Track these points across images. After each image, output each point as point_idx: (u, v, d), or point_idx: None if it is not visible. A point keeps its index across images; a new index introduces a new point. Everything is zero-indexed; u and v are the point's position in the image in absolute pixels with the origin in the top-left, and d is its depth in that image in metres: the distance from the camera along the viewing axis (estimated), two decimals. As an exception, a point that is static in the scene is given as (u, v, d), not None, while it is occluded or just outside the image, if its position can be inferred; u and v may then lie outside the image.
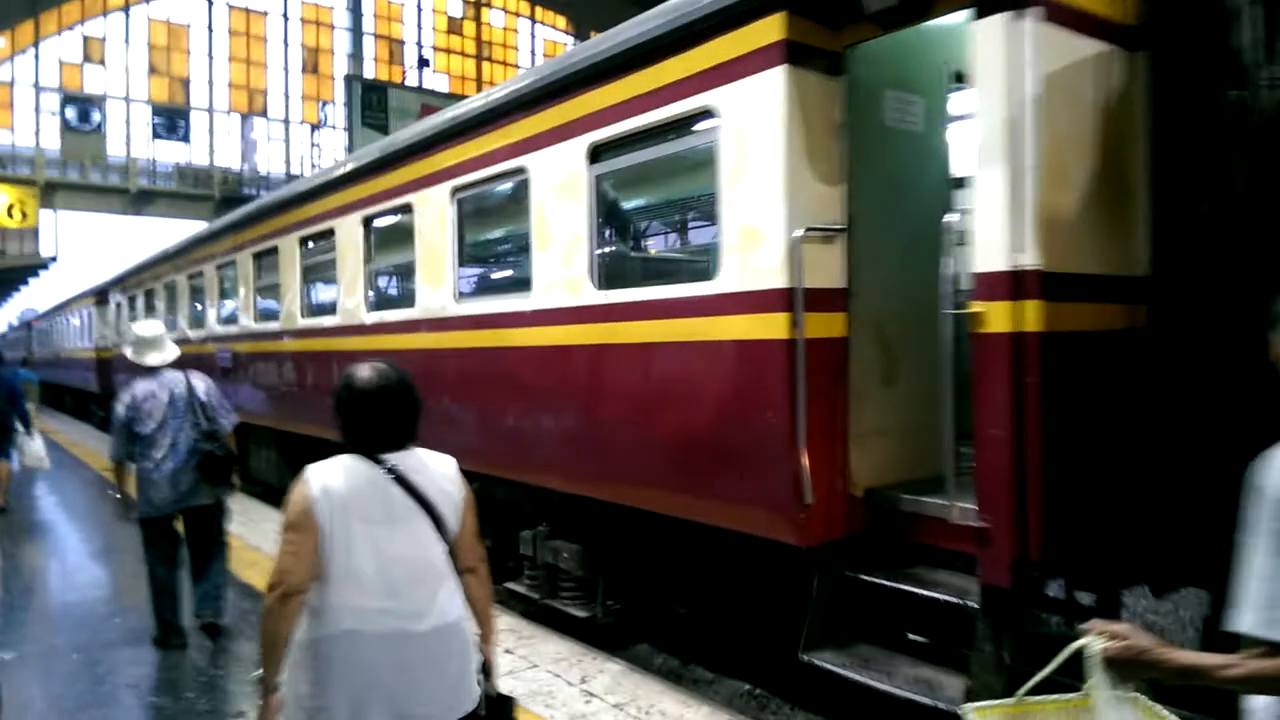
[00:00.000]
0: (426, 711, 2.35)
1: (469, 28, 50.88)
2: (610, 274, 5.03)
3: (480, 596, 2.58)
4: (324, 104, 46.67)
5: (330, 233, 8.34)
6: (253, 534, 8.44)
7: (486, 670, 2.57)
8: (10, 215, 31.91)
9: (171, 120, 40.94)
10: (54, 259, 36.97)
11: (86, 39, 40.12)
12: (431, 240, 6.65)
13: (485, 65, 50.73)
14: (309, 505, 2.30)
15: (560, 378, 5.31)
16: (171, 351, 5.51)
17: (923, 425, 4.40)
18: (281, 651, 2.29)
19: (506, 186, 5.95)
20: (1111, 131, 3.51)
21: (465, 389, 6.34)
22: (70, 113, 37.84)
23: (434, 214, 6.60)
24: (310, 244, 8.92)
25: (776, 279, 3.90)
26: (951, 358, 3.60)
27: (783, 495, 3.92)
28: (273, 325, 9.77)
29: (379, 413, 2.43)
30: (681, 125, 4.45)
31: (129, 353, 5.55)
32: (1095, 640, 1.73)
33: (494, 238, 6.63)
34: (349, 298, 8.01)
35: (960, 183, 4.86)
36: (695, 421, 4.34)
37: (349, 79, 41.73)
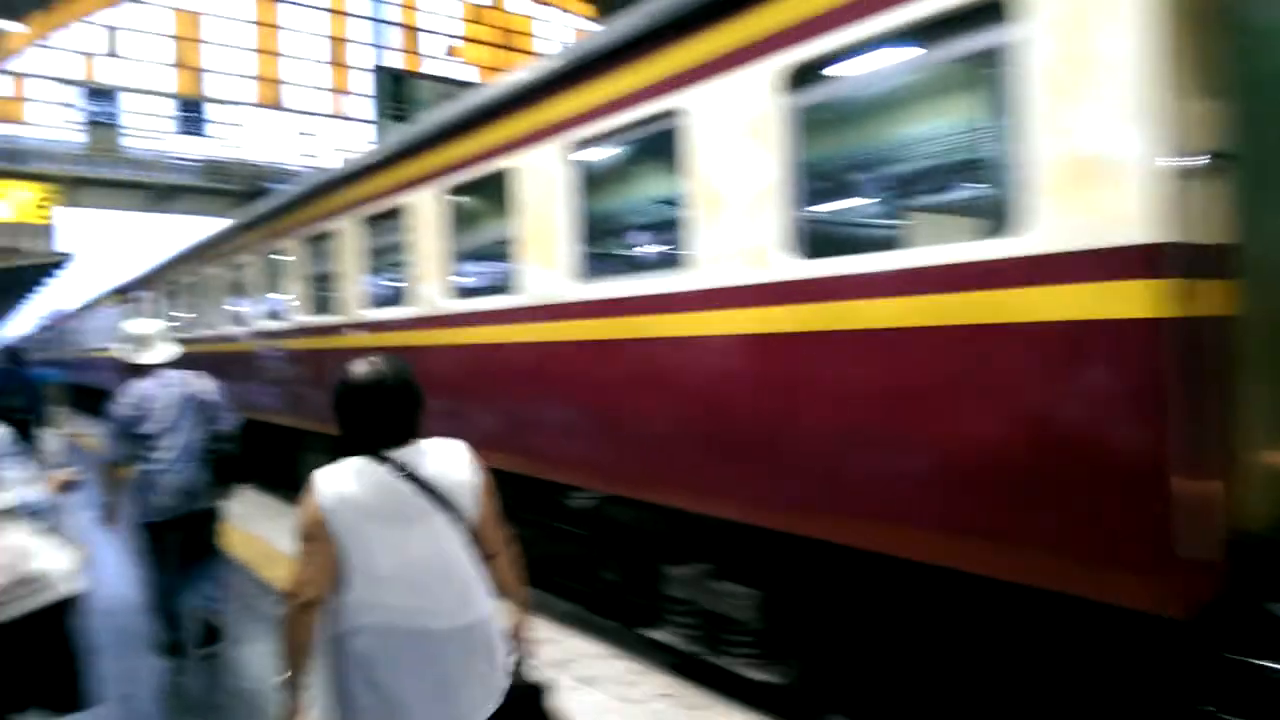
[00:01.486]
0: (459, 709, 2.27)
1: (492, 16, 49.80)
2: (817, 239, 3.82)
3: (509, 581, 2.51)
4: (344, 95, 45.74)
5: (400, 210, 7.17)
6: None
7: (521, 659, 2.50)
8: (35, 211, 31.14)
9: (192, 113, 40.06)
10: (70, 257, 36.24)
11: (105, 29, 39.25)
12: (540, 210, 5.46)
13: (511, 55, 49.60)
14: (321, 514, 2.25)
15: (738, 377, 4.11)
16: (167, 350, 5.18)
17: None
18: (304, 657, 2.27)
19: (649, 136, 4.73)
20: None
21: (590, 390, 5.15)
22: (91, 105, 37.01)
23: (543, 178, 5.40)
24: (376, 224, 7.75)
25: (1134, 231, 2.68)
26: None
27: (1139, 542, 2.71)
28: (328, 319, 8.62)
29: (380, 409, 2.35)
30: (955, 22, 3.22)
31: (120, 351, 5.19)
32: None
33: (627, 204, 5.42)
34: (425, 285, 6.83)
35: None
36: (980, 438, 3.12)
37: (377, 70, 40.53)
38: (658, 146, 4.66)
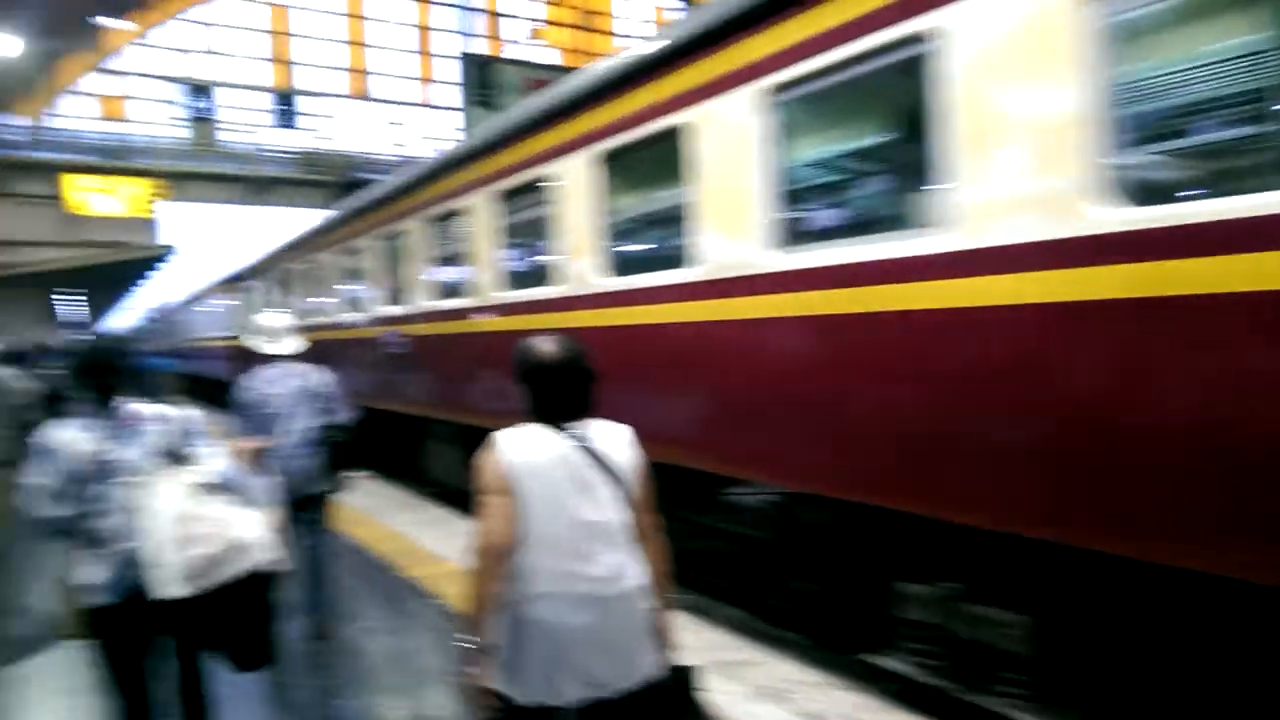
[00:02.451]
0: (613, 674, 2.35)
1: (575, -2, 49.20)
2: (1154, 182, 3.00)
3: (658, 563, 2.54)
4: (430, 83, 45.80)
5: (543, 181, 6.54)
6: (448, 547, 6.83)
7: (666, 639, 2.53)
8: (144, 206, 32.05)
9: (287, 106, 40.60)
10: (172, 250, 37.23)
11: (200, 25, 40.04)
12: (724, 170, 4.74)
13: (593, 38, 48.97)
14: (504, 469, 2.34)
15: (1033, 358, 3.31)
16: (293, 343, 5.35)
17: None
18: (490, 614, 2.31)
19: (882, 69, 3.93)
20: None
21: (793, 375, 4.42)
22: (192, 102, 37.81)
23: (729, 133, 4.68)
24: (513, 198, 7.15)
25: None
26: None
27: None
28: (459, 302, 8.07)
29: (564, 384, 2.48)
30: None
31: (250, 342, 5.44)
32: None
33: (842, 155, 4.66)
34: (573, 261, 6.19)
35: None
36: None
37: (464, 57, 40.08)
38: (893, 80, 3.89)
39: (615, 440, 2.51)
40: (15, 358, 13.42)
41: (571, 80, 6.49)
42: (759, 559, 5.27)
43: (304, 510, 5.19)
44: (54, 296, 39.69)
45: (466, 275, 7.94)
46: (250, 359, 5.29)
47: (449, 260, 8.44)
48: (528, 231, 7.01)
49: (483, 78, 39.97)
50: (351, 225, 11.31)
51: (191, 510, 2.90)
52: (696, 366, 5.09)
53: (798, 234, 4.43)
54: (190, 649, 3.16)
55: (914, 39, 3.65)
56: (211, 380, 23.06)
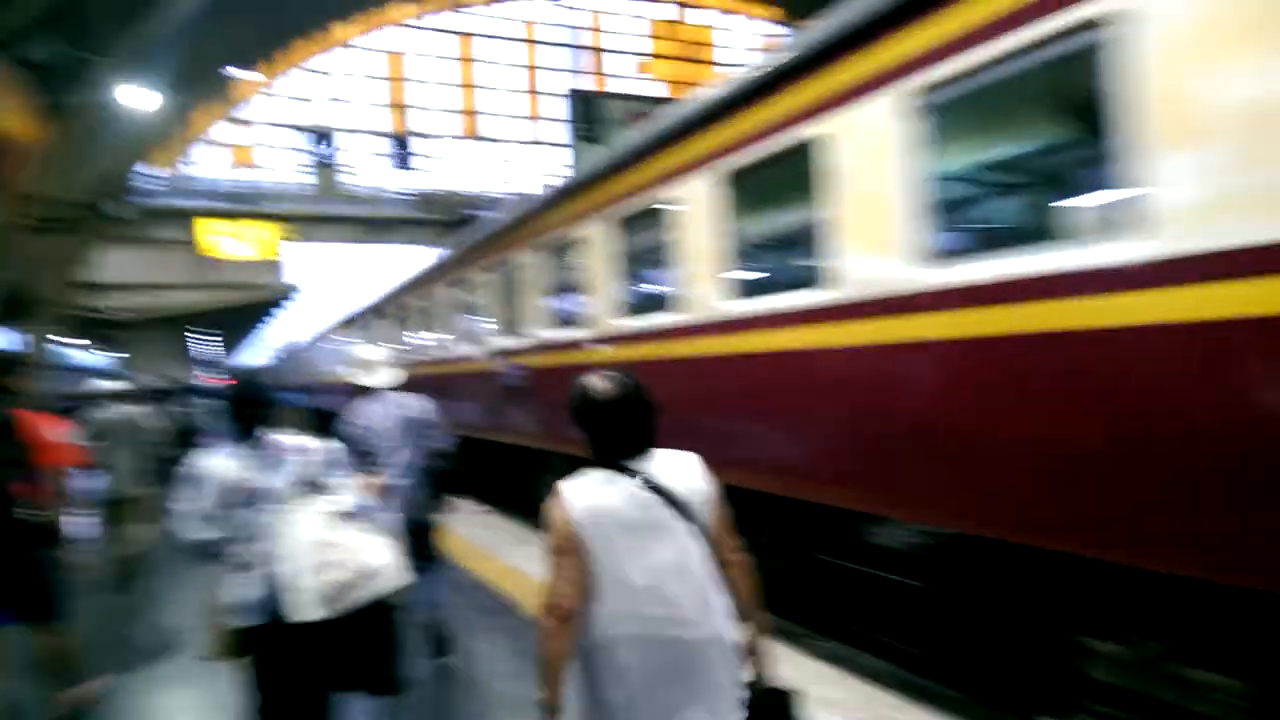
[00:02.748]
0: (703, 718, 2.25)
1: (678, 30, 49.60)
2: None
3: (744, 587, 2.43)
4: (538, 120, 46.80)
5: (662, 206, 6.31)
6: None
7: (762, 662, 2.43)
8: (269, 250, 33.74)
9: (404, 148, 42.17)
10: (295, 289, 39.11)
11: (320, 75, 42.07)
12: (864, 182, 4.39)
13: (698, 69, 49.16)
14: (571, 525, 2.28)
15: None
16: (390, 375, 5.36)
17: None
18: (561, 673, 2.25)
19: (1053, 57, 3.52)
20: None
21: (961, 402, 4.00)
22: (316, 148, 39.73)
23: (869, 141, 4.34)
24: (632, 224, 6.94)
25: None
26: None
27: None
28: (576, 333, 7.90)
29: (624, 421, 2.39)
30: None
31: (349, 375, 5.44)
32: None
33: (1003, 158, 4.26)
34: (695, 287, 5.91)
35: None
36: None
37: (572, 94, 40.79)
38: (1065, 73, 3.48)
39: (683, 471, 2.40)
40: (154, 395, 14.06)
41: (691, 100, 6.26)
42: (911, 606, 4.83)
43: (415, 538, 5.11)
44: (188, 335, 42.02)
45: (583, 305, 7.77)
46: (358, 393, 5.32)
47: (565, 290, 8.31)
48: (646, 258, 6.78)
49: (589, 112, 40.57)
50: (466, 260, 11.38)
51: (327, 537, 3.05)
52: (837, 392, 4.72)
53: (950, 247, 4.04)
54: (321, 676, 3.20)
55: (1091, 24, 3.25)
56: (331, 413, 23.85)
